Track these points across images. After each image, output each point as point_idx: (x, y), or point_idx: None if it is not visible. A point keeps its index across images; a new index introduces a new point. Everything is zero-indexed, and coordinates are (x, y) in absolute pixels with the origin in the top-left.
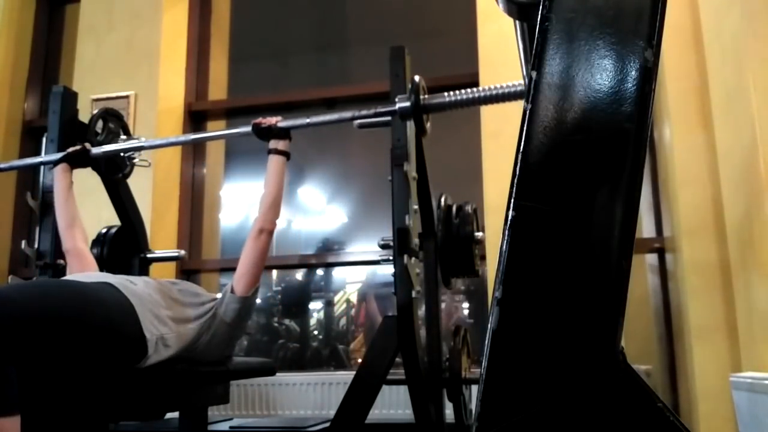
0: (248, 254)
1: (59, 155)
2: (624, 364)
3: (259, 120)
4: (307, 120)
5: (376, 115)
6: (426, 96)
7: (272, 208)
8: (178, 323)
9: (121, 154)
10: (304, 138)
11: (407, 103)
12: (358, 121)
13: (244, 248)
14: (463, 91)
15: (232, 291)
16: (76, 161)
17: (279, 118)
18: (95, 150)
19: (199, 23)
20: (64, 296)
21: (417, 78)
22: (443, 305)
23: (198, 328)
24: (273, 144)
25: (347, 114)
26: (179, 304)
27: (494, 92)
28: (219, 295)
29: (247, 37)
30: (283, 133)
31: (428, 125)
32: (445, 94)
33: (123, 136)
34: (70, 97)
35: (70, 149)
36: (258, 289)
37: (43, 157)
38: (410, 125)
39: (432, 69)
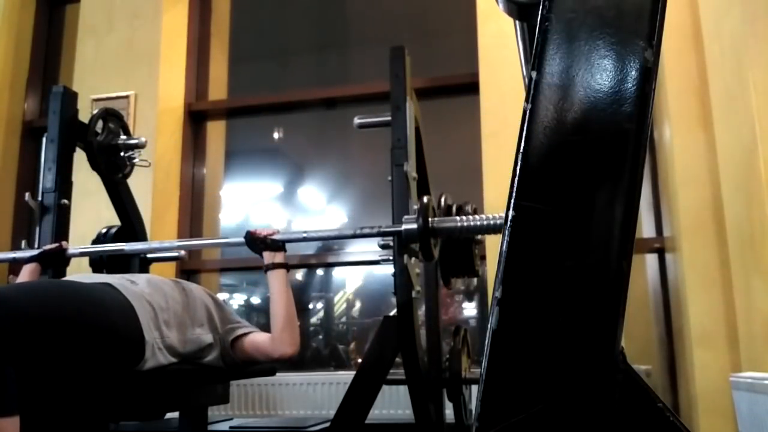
0: (257, 350)
1: (35, 252)
2: (624, 364)
3: (254, 231)
4: (304, 234)
5: (379, 234)
6: (435, 219)
7: (287, 330)
8: (178, 329)
9: (121, 154)
10: (304, 137)
11: (413, 226)
12: (358, 121)
13: (259, 341)
14: (477, 216)
15: (232, 346)
16: (49, 262)
17: (276, 230)
18: (72, 250)
19: (199, 23)
20: (63, 297)
21: (426, 199)
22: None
23: (197, 346)
24: (268, 258)
25: (348, 231)
26: (181, 306)
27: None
28: (215, 302)
29: (247, 37)
30: (278, 246)
31: (437, 250)
32: (457, 218)
33: (123, 136)
34: (70, 97)
35: (47, 247)
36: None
37: (16, 253)
38: (410, 124)
39: (432, 69)
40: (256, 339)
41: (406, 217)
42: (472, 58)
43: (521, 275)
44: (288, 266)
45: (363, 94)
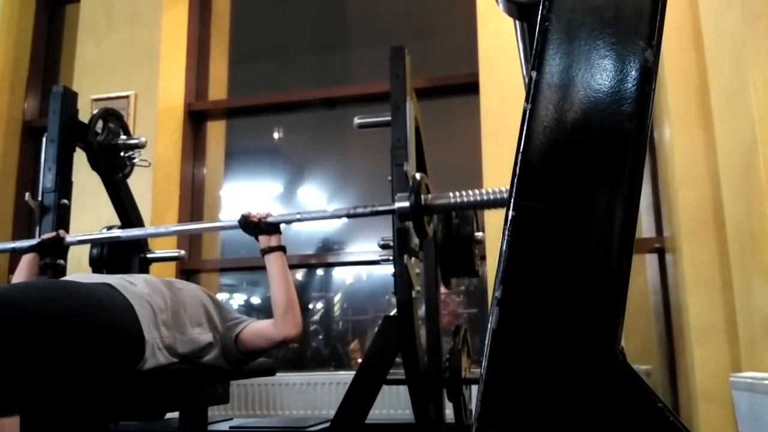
0: (261, 336)
1: (33, 242)
2: (624, 364)
3: (248, 213)
4: (298, 215)
5: (372, 213)
6: (429, 196)
7: (289, 312)
8: (177, 329)
9: (121, 154)
10: (304, 137)
11: (406, 204)
12: (358, 121)
13: (261, 327)
14: (470, 192)
15: (236, 342)
16: (48, 250)
17: (268, 212)
18: (69, 238)
19: (199, 23)
20: (63, 297)
21: (419, 176)
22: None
23: (196, 346)
24: (264, 242)
25: (342, 210)
26: (179, 306)
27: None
28: (213, 301)
29: (247, 37)
30: (273, 229)
31: (431, 227)
32: (450, 194)
33: (123, 136)
34: (70, 97)
35: (45, 236)
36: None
37: (15, 243)
38: (410, 124)
39: (432, 69)
40: (258, 326)
41: (398, 194)
42: (472, 58)
43: (521, 275)
44: (285, 248)
45: (363, 94)
